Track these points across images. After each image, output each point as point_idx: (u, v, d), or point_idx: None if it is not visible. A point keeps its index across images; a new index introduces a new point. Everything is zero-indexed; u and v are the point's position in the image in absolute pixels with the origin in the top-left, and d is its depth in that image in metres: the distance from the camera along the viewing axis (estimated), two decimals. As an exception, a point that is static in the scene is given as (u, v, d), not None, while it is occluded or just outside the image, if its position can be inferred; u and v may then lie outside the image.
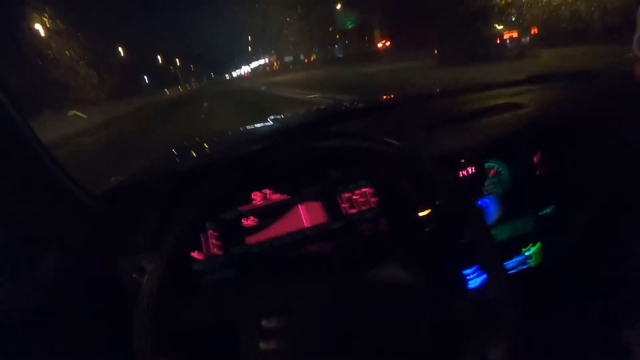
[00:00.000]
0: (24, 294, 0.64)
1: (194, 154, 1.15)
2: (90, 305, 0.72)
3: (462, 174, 0.93)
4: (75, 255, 0.71)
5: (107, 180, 0.92)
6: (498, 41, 10.05)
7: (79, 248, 0.72)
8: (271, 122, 1.28)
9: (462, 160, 0.91)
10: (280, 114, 1.30)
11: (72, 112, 15.96)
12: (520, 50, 9.69)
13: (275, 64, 75.93)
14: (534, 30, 10.28)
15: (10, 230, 0.66)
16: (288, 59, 61.14)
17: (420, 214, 0.86)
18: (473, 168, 0.93)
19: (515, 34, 10.12)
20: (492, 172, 0.95)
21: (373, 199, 0.92)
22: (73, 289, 0.70)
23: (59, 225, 0.70)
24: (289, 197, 0.88)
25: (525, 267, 0.95)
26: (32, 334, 0.62)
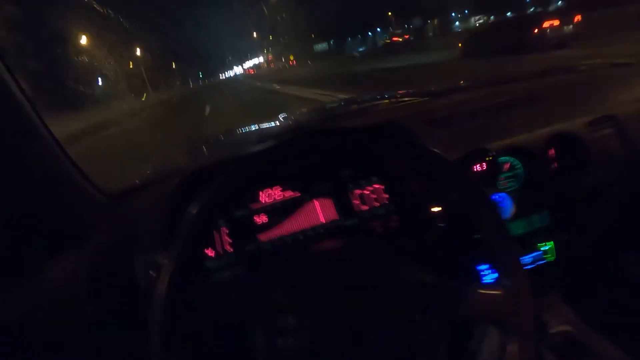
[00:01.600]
0: (39, 292, 0.68)
1: (206, 152, 1.19)
2: (105, 302, 0.75)
3: (476, 168, 0.94)
4: (90, 252, 0.75)
5: (120, 179, 0.97)
6: (536, 31, 9.52)
7: (94, 246, 0.76)
8: (282, 120, 1.33)
9: (472, 156, 0.92)
10: (290, 112, 1.35)
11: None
12: (561, 40, 9.16)
13: (291, 59, 54.80)
14: (578, 18, 9.62)
15: (27, 227, 0.69)
16: (320, 46, 44.88)
17: (433, 210, 0.87)
18: (487, 162, 0.93)
19: (556, 22, 9.53)
20: (506, 166, 0.96)
21: (385, 196, 0.94)
22: (88, 286, 0.73)
23: (75, 223, 0.75)
24: (300, 194, 0.91)
25: (542, 262, 0.94)
26: (47, 330, 0.66)
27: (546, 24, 9.39)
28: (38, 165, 0.66)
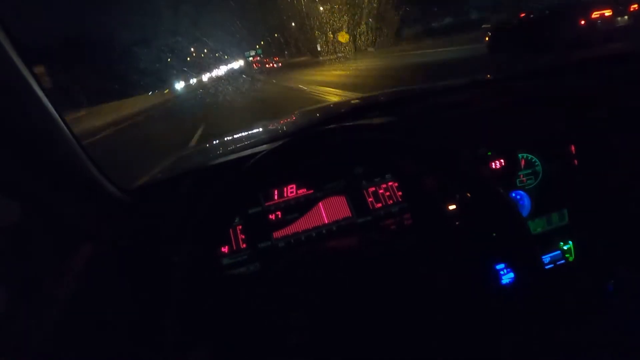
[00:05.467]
0: (59, 284, 0.71)
1: (220, 150, 1.26)
2: (122, 294, 0.81)
3: (494, 165, 0.97)
4: (108, 247, 0.81)
5: (136, 176, 1.03)
6: (582, 22, 9.14)
7: (113, 240, 0.82)
8: (294, 118, 1.39)
9: (489, 153, 0.95)
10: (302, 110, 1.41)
11: None
12: (613, 32, 8.74)
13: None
14: (634, 7, 9.18)
15: (47, 222, 0.74)
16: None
17: (449, 208, 0.91)
18: (505, 159, 0.96)
19: (608, 12, 9.15)
20: (525, 163, 0.98)
21: (399, 193, 0.98)
22: (106, 280, 0.79)
23: (93, 218, 0.80)
24: (314, 191, 0.96)
25: (561, 262, 0.96)
26: (66, 322, 0.69)
27: (596, 14, 9.00)
28: (57, 163, 0.71)
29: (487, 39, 11.85)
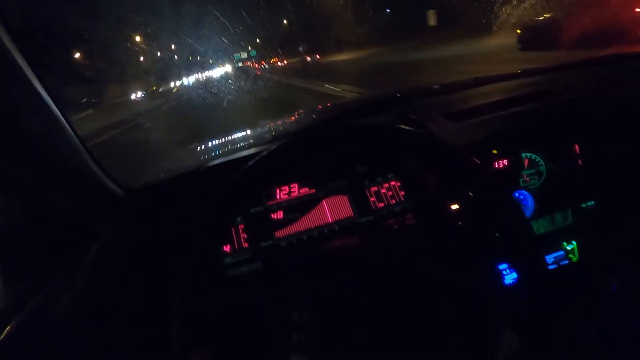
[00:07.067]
0: (63, 283, 0.74)
1: (222, 149, 1.27)
2: (126, 294, 0.83)
3: (498, 164, 0.97)
4: (112, 247, 0.83)
5: (140, 176, 1.05)
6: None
7: (116, 240, 0.84)
8: (297, 117, 1.41)
9: (495, 151, 0.94)
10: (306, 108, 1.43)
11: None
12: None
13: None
14: None
15: (51, 221, 0.76)
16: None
17: (451, 207, 0.90)
18: (508, 159, 0.96)
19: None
20: (528, 162, 0.99)
21: (401, 193, 0.98)
22: (109, 279, 0.81)
23: (97, 218, 0.82)
24: (316, 191, 0.97)
25: (565, 263, 0.96)
26: (69, 321, 0.71)
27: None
28: (61, 161, 0.73)
29: (518, 32, 11.34)
